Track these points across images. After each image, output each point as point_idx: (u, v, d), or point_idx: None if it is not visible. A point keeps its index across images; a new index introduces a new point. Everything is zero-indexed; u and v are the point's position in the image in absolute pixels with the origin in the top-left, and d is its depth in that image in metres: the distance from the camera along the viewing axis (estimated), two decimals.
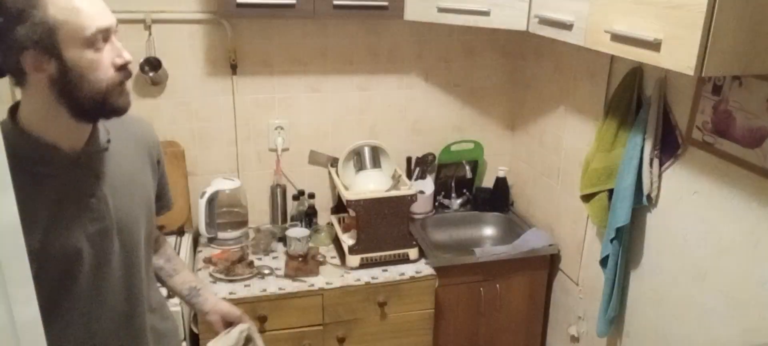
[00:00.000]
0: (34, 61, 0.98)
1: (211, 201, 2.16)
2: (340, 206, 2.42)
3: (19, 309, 0.69)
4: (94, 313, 1.17)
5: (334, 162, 2.38)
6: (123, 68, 1.05)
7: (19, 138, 1.04)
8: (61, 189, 1.08)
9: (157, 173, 1.32)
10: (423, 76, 2.44)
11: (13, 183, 1.04)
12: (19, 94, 1.07)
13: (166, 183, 1.36)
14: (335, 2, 1.96)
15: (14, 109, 1.07)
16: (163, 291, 1.47)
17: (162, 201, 1.35)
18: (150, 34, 2.09)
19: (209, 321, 1.44)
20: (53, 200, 1.07)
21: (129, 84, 1.10)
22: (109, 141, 1.15)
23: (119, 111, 1.08)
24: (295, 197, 2.36)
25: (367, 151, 2.29)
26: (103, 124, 1.15)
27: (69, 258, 1.09)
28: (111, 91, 1.04)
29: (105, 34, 1.03)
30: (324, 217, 2.43)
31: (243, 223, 2.27)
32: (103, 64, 1.02)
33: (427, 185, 2.44)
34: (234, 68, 2.21)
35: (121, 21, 2.27)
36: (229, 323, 1.43)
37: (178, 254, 2.06)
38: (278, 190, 2.34)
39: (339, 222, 2.34)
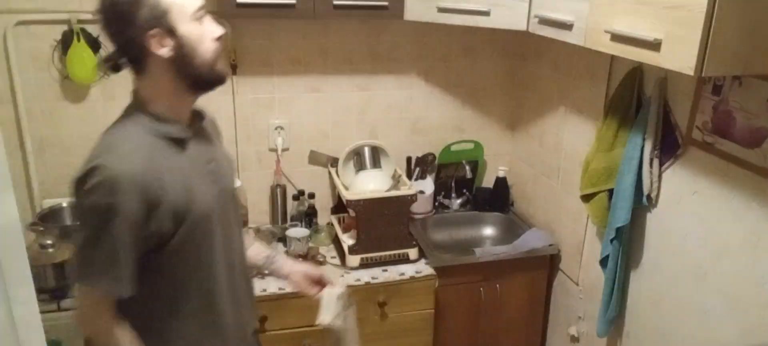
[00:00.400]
0: (157, 41, 1.14)
1: None
2: (340, 206, 2.42)
3: (19, 309, 0.69)
4: (230, 265, 1.34)
5: (334, 162, 2.38)
6: (219, 40, 1.23)
7: (154, 115, 1.20)
8: (192, 157, 1.25)
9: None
10: (423, 76, 2.44)
11: (161, 156, 1.17)
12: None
13: None
14: (335, 2, 1.96)
15: (135, 96, 1.23)
16: None
17: None
18: None
19: (293, 282, 1.55)
20: (190, 167, 1.23)
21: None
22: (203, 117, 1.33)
23: (223, 78, 1.25)
24: (295, 197, 2.36)
25: (367, 151, 2.29)
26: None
27: (207, 218, 1.25)
28: (215, 59, 1.22)
29: (203, 12, 1.21)
30: (324, 217, 2.43)
31: (243, 223, 2.27)
32: (206, 36, 1.20)
33: (427, 185, 2.44)
34: (234, 68, 2.21)
35: None
36: (315, 282, 1.55)
37: None
38: (278, 190, 2.34)
39: (339, 222, 2.34)
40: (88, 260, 1.14)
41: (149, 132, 1.18)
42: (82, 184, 1.11)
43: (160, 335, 1.26)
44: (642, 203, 1.75)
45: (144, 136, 1.17)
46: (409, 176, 2.44)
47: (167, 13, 1.13)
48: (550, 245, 2.27)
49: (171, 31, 1.15)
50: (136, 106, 1.21)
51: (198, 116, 1.31)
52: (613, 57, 1.89)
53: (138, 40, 1.14)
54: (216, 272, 1.29)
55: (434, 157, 2.49)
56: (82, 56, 2.00)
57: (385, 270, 2.10)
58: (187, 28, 1.16)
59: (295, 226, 2.28)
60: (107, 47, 2.03)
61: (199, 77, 1.20)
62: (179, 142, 1.22)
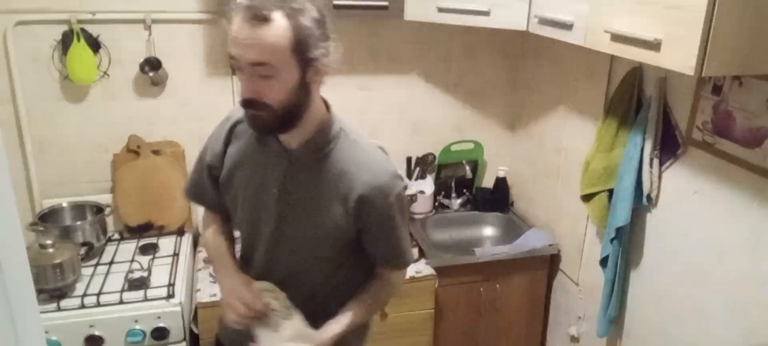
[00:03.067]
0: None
1: None
2: None
3: (19, 309, 0.69)
4: None
5: None
6: None
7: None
8: None
9: None
10: (423, 76, 2.44)
11: None
12: None
13: None
14: (335, 2, 1.95)
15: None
16: None
17: None
18: (150, 34, 2.08)
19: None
20: None
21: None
22: None
23: None
24: None
25: None
26: None
27: None
28: None
29: None
30: None
31: None
32: None
33: (427, 185, 2.44)
34: (234, 69, 2.20)
35: (121, 21, 2.26)
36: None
37: (177, 254, 2.07)
38: None
39: None
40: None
41: None
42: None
43: None
44: (642, 203, 1.75)
45: None
46: (409, 176, 2.43)
47: None
48: (550, 245, 2.27)
49: None
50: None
51: None
52: (613, 57, 1.89)
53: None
54: None
55: (434, 157, 2.49)
56: (82, 56, 2.00)
57: None
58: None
59: None
60: (107, 47, 2.04)
61: None
62: None
